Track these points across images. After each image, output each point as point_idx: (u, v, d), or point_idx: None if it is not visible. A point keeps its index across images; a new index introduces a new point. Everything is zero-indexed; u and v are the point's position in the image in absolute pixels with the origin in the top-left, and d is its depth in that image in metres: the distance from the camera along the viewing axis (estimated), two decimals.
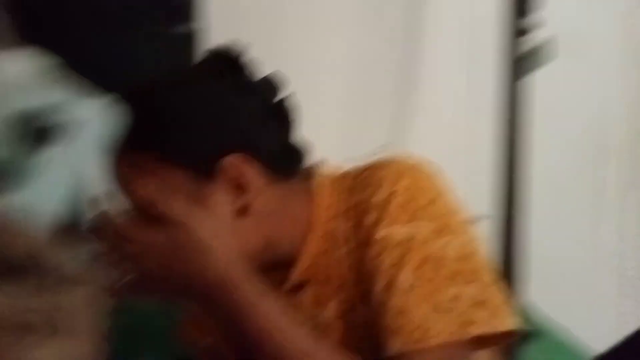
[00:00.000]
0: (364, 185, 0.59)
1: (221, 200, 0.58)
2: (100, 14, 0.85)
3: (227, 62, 0.63)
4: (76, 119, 0.23)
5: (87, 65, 0.82)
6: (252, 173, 0.58)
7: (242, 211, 0.58)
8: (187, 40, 0.90)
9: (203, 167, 0.58)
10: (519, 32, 0.99)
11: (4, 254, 0.26)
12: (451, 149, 1.57)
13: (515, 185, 0.98)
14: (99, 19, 0.85)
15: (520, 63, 0.96)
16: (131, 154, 0.60)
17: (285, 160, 0.63)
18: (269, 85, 0.63)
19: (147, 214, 0.57)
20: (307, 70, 1.48)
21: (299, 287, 0.64)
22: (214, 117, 0.61)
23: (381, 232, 0.55)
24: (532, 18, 1.01)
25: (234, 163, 0.58)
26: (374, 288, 0.56)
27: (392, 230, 0.55)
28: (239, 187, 0.58)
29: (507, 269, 0.95)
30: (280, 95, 0.63)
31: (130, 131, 0.61)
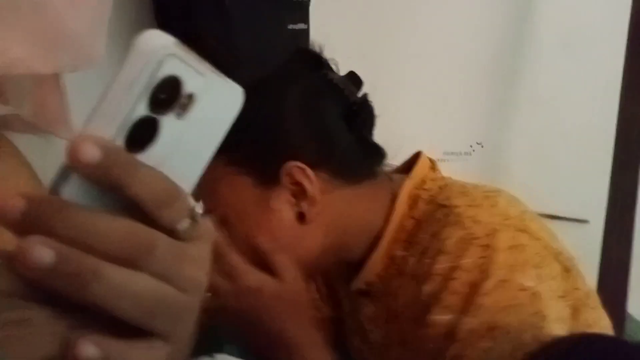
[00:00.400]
0: (436, 229, 0.56)
1: (283, 207, 0.58)
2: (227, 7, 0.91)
3: (311, 61, 0.62)
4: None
5: (210, 55, 0.90)
6: (313, 178, 0.57)
7: (303, 217, 0.58)
8: (303, 36, 0.97)
9: (266, 173, 0.57)
10: None
11: None
12: (556, 146, 1.48)
13: (630, 186, 0.87)
14: (226, 10, 0.90)
15: None
16: None
17: (360, 162, 0.62)
18: (349, 85, 0.61)
19: (222, 223, 0.57)
20: (407, 65, 1.44)
21: (365, 292, 0.64)
22: (285, 121, 0.59)
23: (434, 316, 0.54)
24: None
25: (296, 169, 0.57)
26: None
27: (444, 320, 0.54)
28: (301, 193, 0.57)
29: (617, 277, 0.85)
30: (360, 94, 0.62)
31: None
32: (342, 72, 0.63)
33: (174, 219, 0.23)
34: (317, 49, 0.62)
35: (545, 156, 1.51)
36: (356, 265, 0.63)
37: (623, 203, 0.85)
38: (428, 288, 0.55)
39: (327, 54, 0.61)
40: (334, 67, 0.62)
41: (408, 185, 0.61)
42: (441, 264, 0.54)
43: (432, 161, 0.65)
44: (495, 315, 0.51)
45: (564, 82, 1.47)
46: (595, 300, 0.61)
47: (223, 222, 0.58)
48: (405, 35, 1.49)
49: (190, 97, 0.23)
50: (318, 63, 0.61)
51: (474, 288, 0.52)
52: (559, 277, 0.53)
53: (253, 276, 0.57)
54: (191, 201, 0.25)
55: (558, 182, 1.48)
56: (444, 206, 0.57)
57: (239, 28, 0.89)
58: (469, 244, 0.53)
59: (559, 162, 1.49)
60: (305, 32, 1.00)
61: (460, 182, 0.62)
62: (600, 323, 0.60)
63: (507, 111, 1.56)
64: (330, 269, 0.74)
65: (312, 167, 0.57)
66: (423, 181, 0.61)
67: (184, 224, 0.23)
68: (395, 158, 0.66)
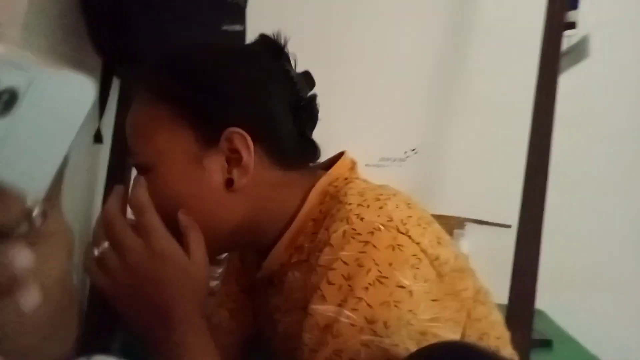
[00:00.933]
0: (329, 223, 0.58)
1: (214, 168, 0.59)
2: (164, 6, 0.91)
3: (273, 48, 0.64)
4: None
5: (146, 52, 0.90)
6: (252, 149, 0.58)
7: (231, 184, 0.59)
8: (239, 38, 0.98)
9: (209, 132, 0.59)
10: (563, 26, 0.95)
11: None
12: (486, 151, 1.55)
13: (541, 190, 0.93)
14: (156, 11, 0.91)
15: (560, 60, 0.92)
16: (150, 103, 0.61)
17: (294, 152, 0.63)
18: (303, 82, 0.64)
19: (146, 169, 0.59)
20: (345, 67, 1.48)
21: (270, 281, 0.66)
22: (237, 91, 0.61)
23: (313, 305, 0.55)
24: (570, 16, 0.99)
25: (237, 136, 0.58)
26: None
27: (321, 309, 0.55)
28: (235, 161, 0.59)
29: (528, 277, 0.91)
30: (311, 94, 0.65)
31: (157, 83, 0.61)
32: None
33: (4, 225, 0.22)
34: (282, 41, 0.64)
35: (474, 163, 1.58)
36: (265, 253, 0.64)
37: (533, 208, 0.92)
38: (313, 279, 0.57)
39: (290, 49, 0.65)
40: (292, 62, 0.65)
41: (323, 181, 0.63)
42: (325, 255, 0.56)
43: (353, 162, 0.67)
44: (374, 309, 0.53)
45: (494, 91, 1.55)
46: (485, 296, 0.65)
47: (149, 170, 0.59)
48: (342, 42, 1.53)
49: (10, 93, 0.22)
50: (279, 53, 0.64)
51: (351, 280, 0.54)
52: (432, 281, 0.56)
53: (166, 242, 0.56)
54: (30, 202, 0.25)
55: (485, 188, 1.56)
56: (340, 202, 0.59)
57: (169, 28, 0.89)
58: (351, 238, 0.55)
59: (486, 169, 1.57)
60: (241, 34, 1.00)
61: (365, 184, 0.63)
62: (490, 317, 0.64)
63: (440, 119, 1.62)
64: (244, 255, 0.76)
65: (251, 138, 0.59)
66: (336, 179, 0.64)
67: (21, 229, 0.22)
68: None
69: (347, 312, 0.53)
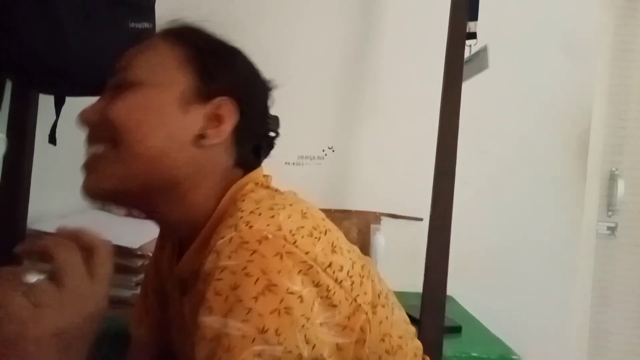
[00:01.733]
0: (221, 228, 0.57)
1: (194, 119, 0.62)
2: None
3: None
4: None
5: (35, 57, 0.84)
6: (234, 121, 0.64)
7: (199, 139, 0.62)
8: (147, 35, 0.92)
9: (207, 89, 0.63)
10: (465, 36, 1.03)
11: None
12: (399, 150, 1.63)
13: (449, 186, 1.01)
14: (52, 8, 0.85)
15: (463, 66, 1.00)
16: (168, 40, 0.66)
17: (250, 154, 0.68)
18: (270, 84, 0.72)
19: (130, 83, 0.61)
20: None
21: (183, 281, 0.66)
22: (243, 74, 0.68)
23: (201, 317, 0.53)
24: (471, 26, 1.07)
25: (227, 105, 0.64)
26: None
27: (209, 321, 0.52)
28: (213, 123, 0.63)
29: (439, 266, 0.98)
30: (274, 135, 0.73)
31: (185, 31, 0.67)
32: None
33: None
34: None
35: (388, 161, 1.66)
36: (180, 252, 0.66)
37: (443, 203, 0.99)
38: (200, 286, 0.56)
39: None
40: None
41: (236, 185, 0.65)
42: (209, 263, 0.54)
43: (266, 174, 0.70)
44: (265, 318, 0.51)
45: (406, 95, 1.64)
46: (385, 298, 0.66)
47: (132, 85, 0.62)
48: (256, 41, 1.54)
49: None
50: (269, 87, 0.72)
51: (239, 290, 0.52)
52: (323, 287, 0.56)
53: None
54: None
55: (398, 184, 1.65)
56: (235, 208, 0.59)
57: (69, 27, 0.84)
58: (239, 247, 0.53)
59: (399, 167, 1.66)
60: (150, 32, 0.97)
61: (266, 192, 0.64)
62: (391, 318, 0.66)
63: (355, 118, 1.68)
64: (159, 263, 0.77)
65: (236, 115, 0.64)
66: (247, 183, 0.65)
67: None
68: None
69: (236, 324, 0.51)
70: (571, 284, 1.67)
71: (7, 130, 1.08)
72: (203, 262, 0.56)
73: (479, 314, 1.40)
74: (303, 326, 0.53)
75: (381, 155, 1.67)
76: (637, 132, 1.82)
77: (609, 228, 1.80)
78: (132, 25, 0.95)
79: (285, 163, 1.68)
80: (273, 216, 0.56)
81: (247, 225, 0.55)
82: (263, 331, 0.51)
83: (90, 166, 0.62)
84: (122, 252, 1.10)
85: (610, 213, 1.79)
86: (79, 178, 0.63)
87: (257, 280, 0.52)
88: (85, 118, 0.62)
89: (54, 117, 1.01)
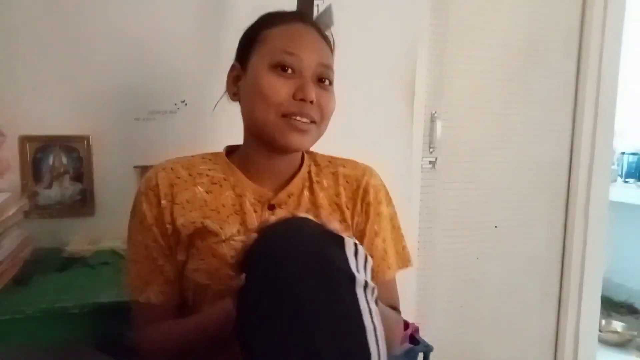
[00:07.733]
0: (351, 168, 0.99)
1: (231, 80, 1.00)
2: None
3: None
4: None
5: None
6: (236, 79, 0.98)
7: (237, 94, 0.97)
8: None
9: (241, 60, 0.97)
10: None
11: None
12: None
13: None
14: None
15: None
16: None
17: None
18: None
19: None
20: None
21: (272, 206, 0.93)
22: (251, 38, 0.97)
23: (380, 208, 0.97)
24: None
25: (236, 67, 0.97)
26: (366, 226, 0.95)
27: (386, 209, 0.99)
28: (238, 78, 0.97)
29: None
30: None
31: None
32: None
33: None
34: None
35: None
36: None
37: None
38: (369, 197, 1.02)
39: None
40: None
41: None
42: (374, 184, 1.03)
43: None
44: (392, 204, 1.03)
45: None
46: None
47: (331, 83, 0.94)
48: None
49: None
50: None
51: (388, 194, 1.02)
52: None
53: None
54: None
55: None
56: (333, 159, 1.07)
57: None
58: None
59: None
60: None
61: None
62: None
63: (209, 71, 1.68)
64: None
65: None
66: None
67: None
68: None
69: (390, 208, 1.05)
70: (407, 210, 1.91)
71: None
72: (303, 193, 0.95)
73: None
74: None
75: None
76: (453, 80, 2.08)
77: (430, 162, 2.08)
78: None
79: (135, 119, 1.64)
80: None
81: (363, 165, 1.05)
82: (394, 206, 1.05)
83: (305, 131, 0.86)
84: None
85: (431, 150, 2.06)
86: None
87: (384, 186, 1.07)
88: (310, 96, 0.84)
89: None
